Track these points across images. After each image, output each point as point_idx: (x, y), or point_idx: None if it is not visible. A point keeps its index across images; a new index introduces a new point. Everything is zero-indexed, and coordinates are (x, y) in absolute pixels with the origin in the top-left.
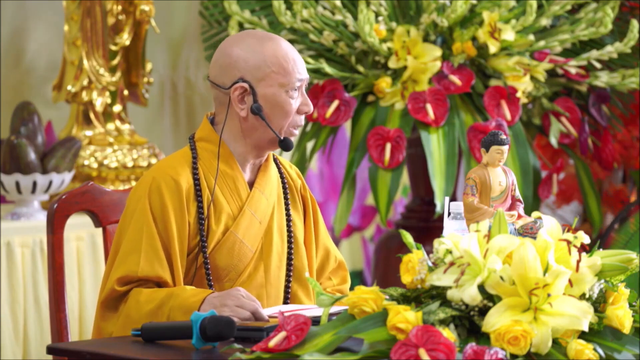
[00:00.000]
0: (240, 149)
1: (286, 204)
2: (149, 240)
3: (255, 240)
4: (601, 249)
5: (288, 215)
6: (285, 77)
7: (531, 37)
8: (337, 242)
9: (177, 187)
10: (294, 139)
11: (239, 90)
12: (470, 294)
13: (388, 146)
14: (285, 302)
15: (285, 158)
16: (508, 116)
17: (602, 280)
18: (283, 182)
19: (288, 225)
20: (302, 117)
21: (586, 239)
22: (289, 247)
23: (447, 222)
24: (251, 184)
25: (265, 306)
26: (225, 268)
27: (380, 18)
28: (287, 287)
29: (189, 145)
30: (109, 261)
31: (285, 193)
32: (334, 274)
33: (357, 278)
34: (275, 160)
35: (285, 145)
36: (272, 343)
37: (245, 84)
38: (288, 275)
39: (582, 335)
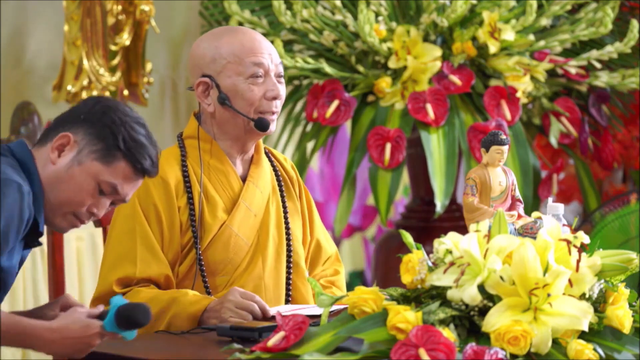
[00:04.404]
0: (224, 145)
1: (282, 196)
2: (143, 240)
3: (251, 233)
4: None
5: (284, 207)
6: (240, 65)
7: (531, 37)
8: (338, 242)
9: (164, 184)
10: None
11: (202, 86)
12: (470, 294)
13: (388, 146)
14: (287, 294)
15: (287, 157)
16: (508, 116)
17: (602, 280)
18: (277, 175)
19: (285, 218)
20: (274, 102)
21: (586, 239)
22: (287, 239)
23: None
24: (244, 179)
25: (265, 298)
26: (222, 262)
27: (380, 18)
28: (287, 279)
29: (177, 143)
30: (103, 262)
31: (280, 185)
32: (328, 265)
33: (358, 278)
34: (267, 153)
35: (260, 124)
36: (271, 342)
37: (207, 78)
38: (288, 268)
39: (582, 335)
